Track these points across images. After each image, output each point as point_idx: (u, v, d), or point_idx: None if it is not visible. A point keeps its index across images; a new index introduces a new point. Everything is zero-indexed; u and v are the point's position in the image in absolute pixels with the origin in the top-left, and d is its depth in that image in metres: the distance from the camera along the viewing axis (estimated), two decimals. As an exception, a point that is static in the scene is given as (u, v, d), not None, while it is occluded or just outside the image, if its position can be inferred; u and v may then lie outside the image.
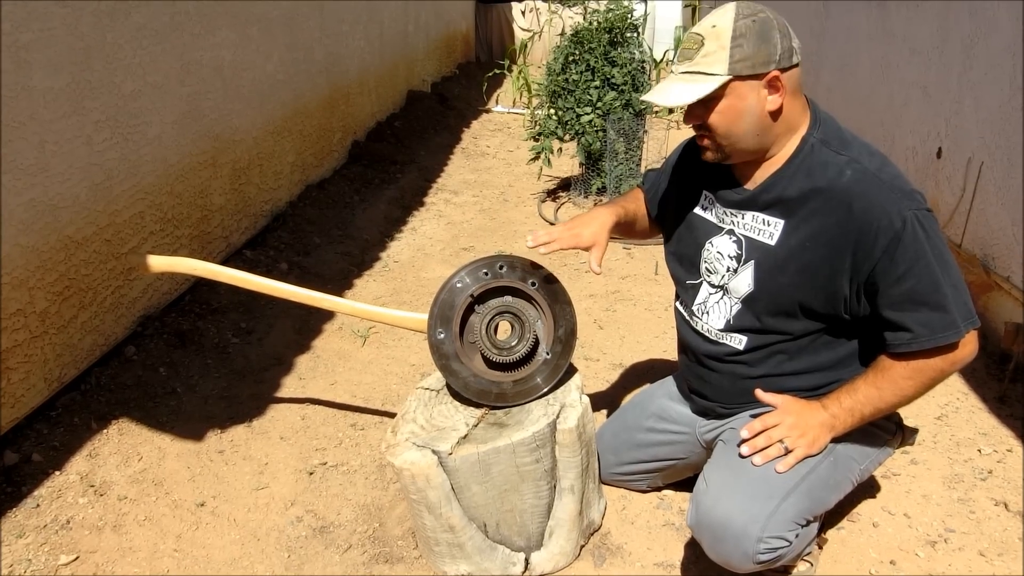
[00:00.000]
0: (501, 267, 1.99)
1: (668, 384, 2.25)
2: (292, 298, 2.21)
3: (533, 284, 1.98)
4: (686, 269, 1.98)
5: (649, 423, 2.18)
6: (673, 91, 1.67)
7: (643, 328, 3.34)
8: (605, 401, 2.74)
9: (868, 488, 2.28)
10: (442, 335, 1.98)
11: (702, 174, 1.90)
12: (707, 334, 1.93)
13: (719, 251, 1.86)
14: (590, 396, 2.59)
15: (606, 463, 2.25)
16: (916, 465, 2.39)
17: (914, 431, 1.97)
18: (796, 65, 1.67)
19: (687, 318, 2.00)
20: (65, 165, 2.61)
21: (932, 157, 3.70)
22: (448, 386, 2.07)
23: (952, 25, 3.54)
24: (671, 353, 3.07)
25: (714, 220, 1.88)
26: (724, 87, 1.63)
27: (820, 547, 2.00)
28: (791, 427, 1.74)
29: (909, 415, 1.96)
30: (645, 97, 1.75)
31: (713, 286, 1.90)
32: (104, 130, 2.80)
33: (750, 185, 1.79)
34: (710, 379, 1.96)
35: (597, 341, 3.23)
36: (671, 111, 6.74)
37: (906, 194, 1.61)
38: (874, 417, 1.76)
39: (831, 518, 2.15)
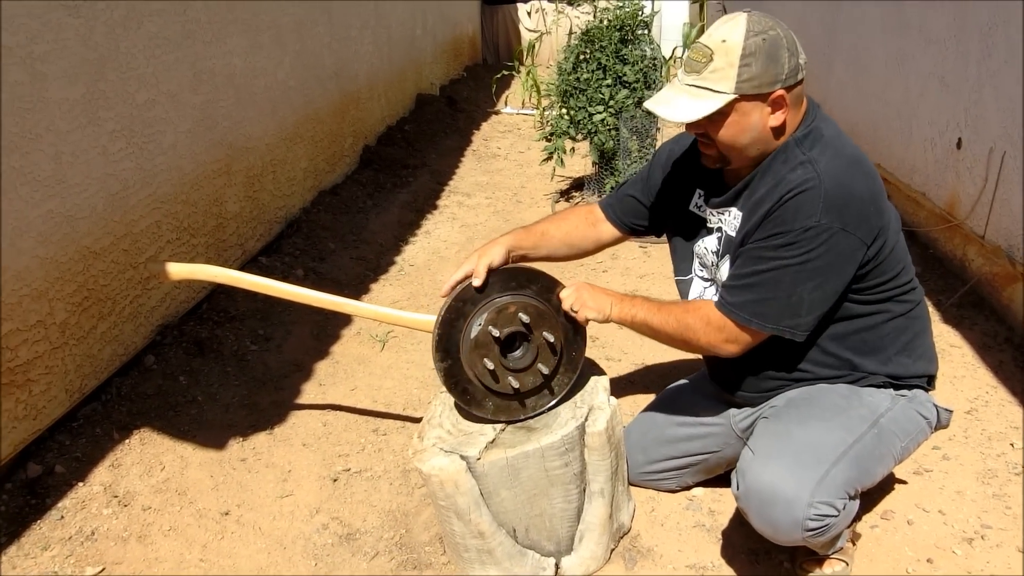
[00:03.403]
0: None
1: (696, 379, 2.25)
2: (311, 302, 2.19)
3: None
4: (677, 265, 2.07)
5: (680, 418, 2.17)
6: (679, 104, 1.70)
7: (663, 327, 3.31)
8: (628, 401, 2.71)
9: (901, 485, 2.25)
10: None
11: (696, 172, 1.95)
12: None
13: (706, 247, 1.94)
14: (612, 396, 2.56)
15: (634, 463, 2.22)
16: (948, 461, 2.35)
17: (948, 411, 1.95)
18: (800, 81, 1.72)
19: None
20: (82, 176, 2.60)
21: (952, 148, 3.66)
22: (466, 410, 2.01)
23: (969, 14, 3.50)
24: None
25: (704, 216, 1.95)
26: (729, 105, 1.67)
27: (854, 543, 1.97)
28: (576, 299, 1.90)
29: (941, 401, 1.94)
30: (648, 105, 1.78)
31: (705, 280, 1.97)
32: (119, 140, 2.80)
33: (734, 182, 1.84)
34: (733, 371, 1.97)
35: (618, 341, 3.20)
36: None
37: (834, 208, 1.63)
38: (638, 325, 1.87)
39: (864, 513, 2.12)
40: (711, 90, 1.67)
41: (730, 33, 1.66)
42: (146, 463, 2.48)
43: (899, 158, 4.33)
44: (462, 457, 1.82)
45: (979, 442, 2.45)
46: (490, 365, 1.88)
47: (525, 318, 1.88)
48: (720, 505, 2.20)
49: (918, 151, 4.06)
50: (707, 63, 1.67)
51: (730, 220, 1.84)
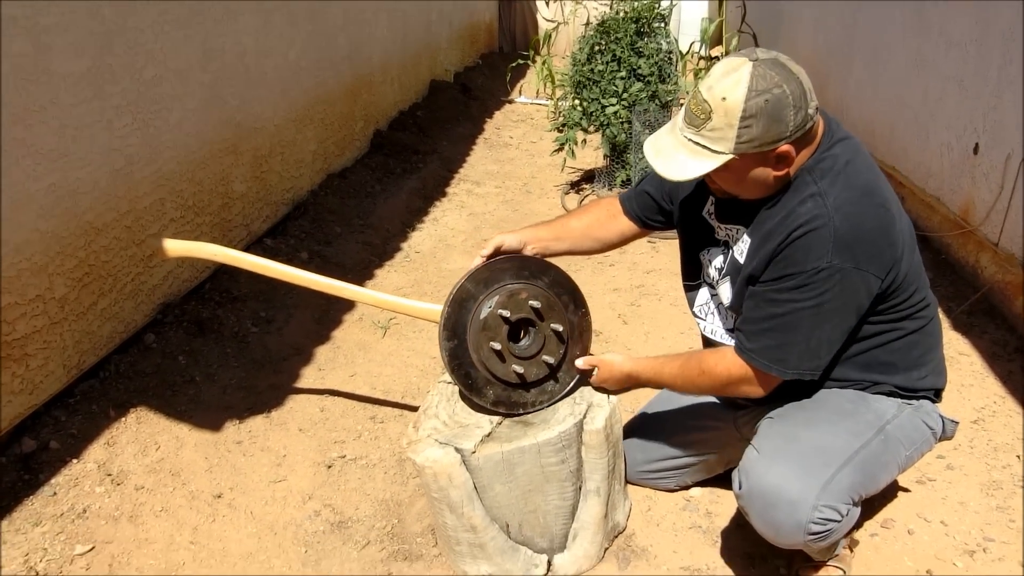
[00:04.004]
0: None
1: None
2: (312, 286, 2.16)
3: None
4: (685, 271, 2.02)
5: (680, 417, 2.14)
6: (676, 160, 1.65)
7: (668, 324, 3.28)
8: (629, 398, 2.67)
9: (903, 493, 2.21)
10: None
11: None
12: (712, 336, 1.94)
13: (710, 259, 1.90)
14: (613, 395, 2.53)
15: (632, 461, 2.19)
16: (952, 470, 2.31)
17: (954, 423, 1.91)
18: (810, 129, 1.63)
19: (695, 318, 2.02)
20: (85, 150, 2.57)
21: (968, 153, 3.61)
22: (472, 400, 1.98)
23: (991, 18, 3.44)
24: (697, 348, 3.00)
25: (713, 227, 1.89)
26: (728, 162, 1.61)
27: (851, 550, 1.94)
28: (598, 379, 1.94)
29: (947, 410, 1.90)
30: (647, 151, 1.72)
31: (712, 288, 1.93)
32: (125, 115, 2.77)
33: (746, 200, 1.77)
34: None
35: (621, 336, 3.16)
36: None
37: (845, 247, 1.59)
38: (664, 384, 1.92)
39: (864, 521, 2.09)
40: (709, 149, 1.61)
41: (731, 91, 1.56)
42: (141, 442, 2.46)
43: (915, 161, 4.27)
44: (457, 450, 1.79)
45: (984, 452, 2.41)
46: (497, 346, 1.86)
47: (536, 304, 1.87)
48: (717, 507, 2.16)
49: (934, 155, 4.01)
50: (705, 120, 1.59)
51: (739, 241, 1.79)
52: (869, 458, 1.71)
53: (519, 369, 1.87)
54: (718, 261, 1.87)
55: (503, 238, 1.97)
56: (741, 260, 1.76)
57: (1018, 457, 2.38)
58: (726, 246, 1.85)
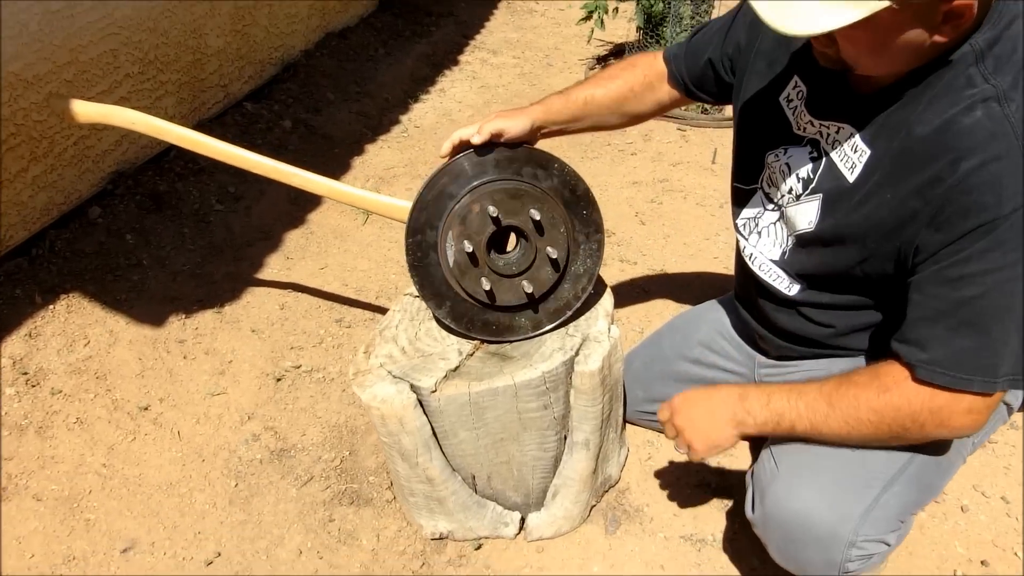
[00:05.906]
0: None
1: (719, 307, 1.80)
2: (251, 168, 1.74)
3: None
4: (740, 170, 1.52)
5: (694, 353, 1.75)
6: (799, 6, 1.04)
7: (692, 226, 2.85)
8: (638, 318, 2.29)
9: (957, 459, 1.84)
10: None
11: (800, 52, 1.34)
12: (751, 263, 1.47)
13: (787, 163, 1.36)
14: (620, 310, 2.16)
15: (632, 398, 1.82)
16: (1017, 430, 1.93)
17: None
18: None
19: (736, 233, 1.54)
20: (2, -18, 2.13)
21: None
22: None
23: None
24: (723, 259, 2.59)
25: (795, 120, 1.35)
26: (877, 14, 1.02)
27: (893, 532, 1.59)
28: (680, 428, 1.36)
29: None
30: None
31: (771, 201, 1.42)
32: (57, -58, 2.30)
33: (866, 90, 1.22)
34: (764, 312, 1.51)
35: (637, 240, 2.75)
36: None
37: None
38: (800, 436, 1.28)
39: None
40: None
41: None
42: (68, 335, 2.13)
43: None
44: (412, 388, 1.42)
45: (1056, 410, 2.02)
46: (487, 285, 1.46)
47: (494, 211, 1.44)
48: (732, 461, 1.81)
49: None
50: None
51: (841, 145, 1.26)
52: (926, 466, 1.28)
53: (528, 287, 1.48)
54: (804, 170, 1.32)
55: (503, 123, 1.47)
56: (850, 177, 1.23)
57: (1097, 418, 1.99)
58: (815, 147, 1.31)
